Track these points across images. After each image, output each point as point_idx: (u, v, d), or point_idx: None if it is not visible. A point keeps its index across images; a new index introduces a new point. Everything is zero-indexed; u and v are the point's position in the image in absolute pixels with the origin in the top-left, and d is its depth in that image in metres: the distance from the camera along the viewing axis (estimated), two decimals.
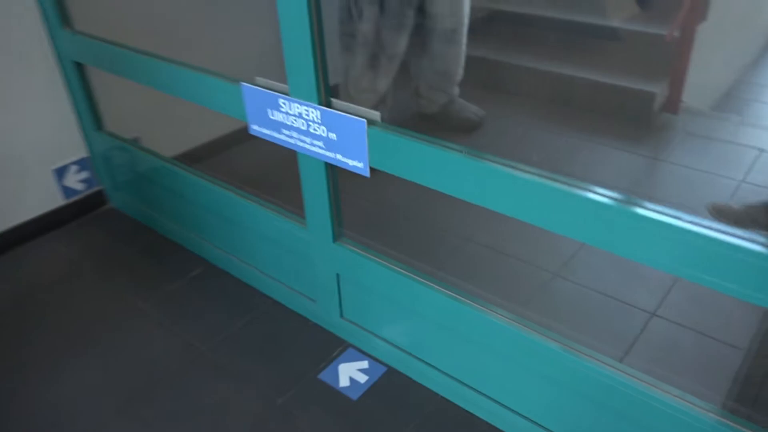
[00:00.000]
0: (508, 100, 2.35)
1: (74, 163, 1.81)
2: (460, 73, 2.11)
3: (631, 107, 2.12)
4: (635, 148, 2.02)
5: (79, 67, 1.66)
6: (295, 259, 1.40)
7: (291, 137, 1.18)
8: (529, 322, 1.04)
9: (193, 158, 1.82)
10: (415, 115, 2.21)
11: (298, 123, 1.15)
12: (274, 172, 1.37)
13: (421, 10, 1.94)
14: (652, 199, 0.81)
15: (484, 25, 2.42)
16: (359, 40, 1.87)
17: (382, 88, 1.98)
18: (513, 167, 0.93)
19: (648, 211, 0.81)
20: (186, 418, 1.24)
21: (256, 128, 1.24)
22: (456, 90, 2.16)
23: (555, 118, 2.21)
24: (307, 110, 1.12)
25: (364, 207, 1.71)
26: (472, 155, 0.96)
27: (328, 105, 1.10)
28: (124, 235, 1.79)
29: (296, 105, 1.13)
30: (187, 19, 1.89)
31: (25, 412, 1.26)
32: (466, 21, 2.02)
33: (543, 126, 2.18)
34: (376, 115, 1.05)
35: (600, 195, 0.85)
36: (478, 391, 1.21)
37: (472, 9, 2.05)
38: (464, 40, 2.04)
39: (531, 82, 2.33)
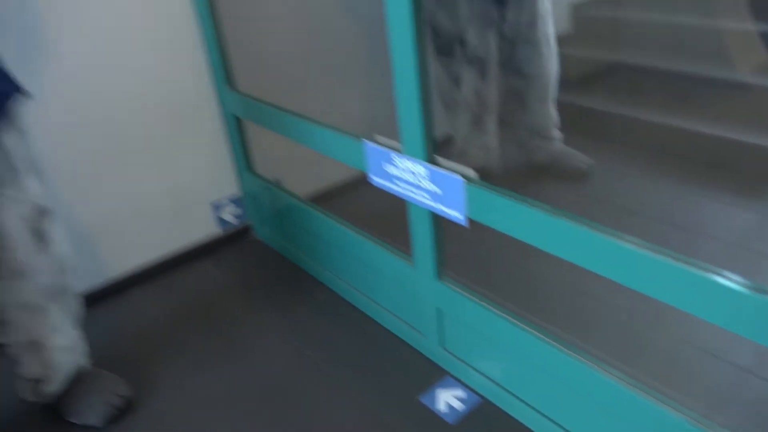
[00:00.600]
0: (620, 151, 2.38)
1: (229, 199, 2.15)
2: (555, 122, 2.20)
3: (755, 163, 2.08)
4: (757, 205, 1.97)
5: (237, 119, 2.00)
6: (403, 292, 1.58)
7: (402, 188, 1.38)
8: (631, 380, 1.09)
9: (322, 198, 2.08)
10: (525, 165, 2.32)
11: (408, 176, 1.34)
12: (387, 214, 1.56)
13: (518, 72, 2.08)
14: None
15: (601, 75, 2.49)
16: (461, 104, 2.04)
17: (491, 143, 2.12)
18: (613, 235, 0.98)
19: None
20: (301, 426, 1.45)
21: (374, 178, 1.46)
22: (558, 139, 2.24)
23: (669, 171, 2.21)
24: (415, 166, 1.31)
25: (468, 248, 1.85)
26: (558, 215, 1.08)
27: (433, 162, 1.29)
28: (264, 264, 2.09)
29: (407, 161, 1.33)
30: (323, 82, 2.18)
31: (159, 417, 1.55)
32: (555, 77, 2.12)
33: (656, 178, 2.19)
34: (472, 172, 1.22)
35: (725, 279, 0.85)
36: None
37: (591, 60, 2.15)
38: (554, 93, 2.14)
39: (645, 134, 2.36)
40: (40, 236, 1.31)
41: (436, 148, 1.29)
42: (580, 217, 1.06)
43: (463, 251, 1.69)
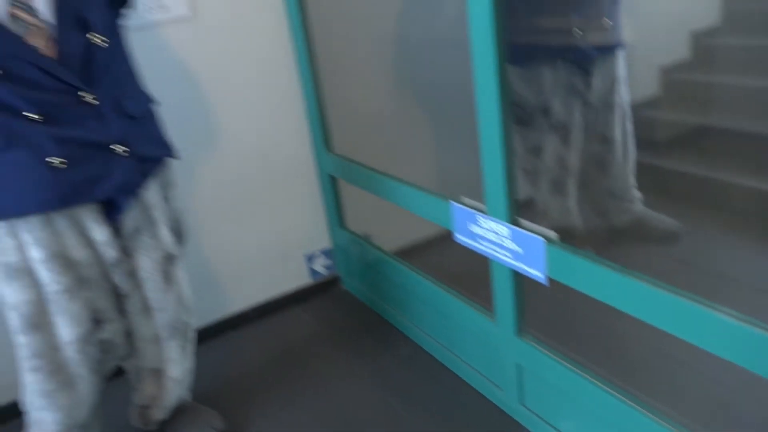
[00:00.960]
0: (709, 215, 2.35)
1: (321, 251, 2.30)
2: (634, 184, 2.21)
3: None
4: None
5: (332, 178, 2.17)
6: (484, 347, 1.64)
7: (485, 247, 1.46)
8: None
9: (409, 253, 2.18)
10: (607, 228, 2.32)
11: (491, 236, 1.42)
12: (470, 271, 1.64)
13: (596, 135, 2.12)
14: None
15: (691, 138, 2.48)
16: (542, 170, 2.09)
17: (572, 206, 2.16)
18: (697, 302, 1.00)
19: None
20: None
21: (459, 237, 1.55)
22: (638, 200, 2.23)
23: (760, 236, 2.15)
24: (498, 226, 1.39)
25: (549, 306, 1.88)
26: (638, 278, 1.13)
27: (516, 223, 1.37)
28: (351, 314, 2.21)
29: (491, 222, 1.41)
30: (413, 144, 2.33)
31: None
32: (632, 139, 2.14)
33: (746, 243, 2.14)
34: (553, 234, 1.29)
35: None
36: None
37: (680, 123, 2.16)
38: (632, 155, 2.15)
39: (734, 197, 2.31)
40: (168, 278, 1.48)
41: (518, 210, 1.37)
42: (660, 281, 1.09)
43: (545, 309, 1.72)
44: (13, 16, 1.17)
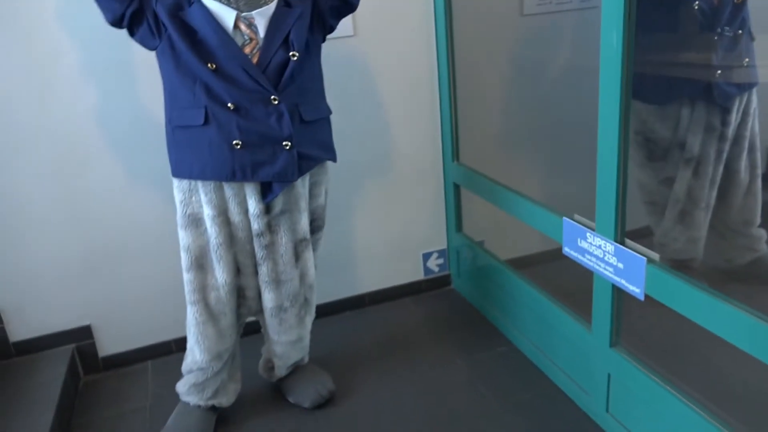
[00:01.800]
0: None
1: (436, 251, 2.53)
2: (759, 223, 2.20)
3: None
4: None
5: (456, 187, 2.38)
6: (578, 354, 1.78)
7: (591, 261, 1.61)
8: None
9: (518, 262, 2.33)
10: (728, 262, 2.32)
11: (597, 252, 1.57)
12: (573, 284, 1.77)
13: (725, 168, 2.14)
14: None
15: None
16: (671, 200, 2.15)
17: (698, 237, 2.20)
18: None
19: None
20: None
21: (567, 250, 1.71)
22: (763, 239, 2.22)
23: None
24: (605, 244, 1.54)
25: (645, 322, 1.95)
26: (728, 302, 1.23)
27: (622, 242, 1.51)
28: (457, 311, 2.41)
29: (598, 239, 1.56)
30: (535, 159, 2.48)
31: (347, 415, 1.90)
32: (760, 172, 2.14)
33: None
34: (655, 255, 1.42)
35: None
36: None
37: None
38: (758, 189, 2.15)
39: None
40: (297, 256, 1.74)
41: (624, 230, 1.51)
42: (756, 311, 1.18)
43: (640, 325, 1.82)
44: (236, 28, 1.50)
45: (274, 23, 1.53)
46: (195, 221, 1.62)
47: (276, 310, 1.75)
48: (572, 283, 1.77)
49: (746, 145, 2.15)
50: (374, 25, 2.15)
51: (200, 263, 1.65)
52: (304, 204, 1.71)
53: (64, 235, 2.04)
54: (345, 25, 2.10)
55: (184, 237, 1.65)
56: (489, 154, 2.39)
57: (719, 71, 1.95)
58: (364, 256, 2.43)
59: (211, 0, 1.49)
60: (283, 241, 1.69)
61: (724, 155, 2.16)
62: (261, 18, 1.52)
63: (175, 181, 1.63)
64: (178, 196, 1.63)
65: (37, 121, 1.91)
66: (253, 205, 1.62)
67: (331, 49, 2.10)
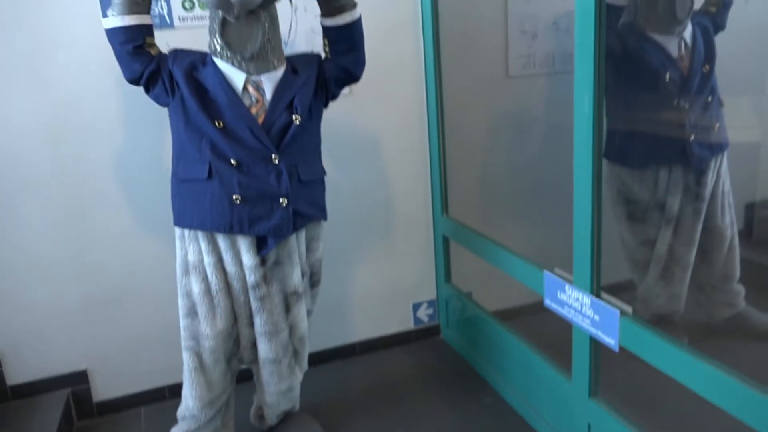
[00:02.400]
0: None
1: (426, 301, 2.59)
2: (737, 277, 2.26)
3: None
4: None
5: (446, 239, 2.47)
6: (560, 405, 1.82)
7: (570, 313, 1.68)
8: None
9: (504, 314, 2.39)
10: (708, 317, 2.37)
11: (575, 304, 1.64)
12: (555, 335, 1.83)
13: (705, 228, 2.22)
14: None
15: None
16: (653, 259, 2.22)
17: (677, 293, 2.26)
18: None
19: None
20: None
21: (548, 302, 1.78)
22: (740, 294, 2.28)
23: None
24: (582, 296, 1.61)
25: (624, 373, 1.99)
26: (698, 356, 1.30)
27: (598, 295, 1.58)
28: (446, 361, 2.45)
29: (576, 291, 1.63)
30: (518, 213, 2.57)
31: None
32: (734, 230, 2.22)
33: None
34: (628, 308, 1.49)
35: None
36: None
37: None
38: (735, 247, 2.22)
39: None
40: (289, 309, 1.80)
41: (600, 283, 1.58)
42: (730, 369, 1.23)
43: (619, 376, 1.86)
44: (245, 89, 1.62)
45: (281, 88, 1.65)
46: (194, 269, 1.70)
47: (269, 361, 1.80)
48: (556, 335, 1.83)
49: (722, 203, 2.23)
50: (368, 84, 2.28)
51: (197, 310, 1.71)
52: (296, 258, 1.78)
53: (65, 279, 2.11)
54: None
55: (183, 284, 1.72)
56: (477, 208, 2.48)
57: (692, 136, 2.06)
58: (356, 305, 2.50)
59: (223, 63, 1.61)
60: (276, 293, 1.75)
61: (702, 214, 2.24)
62: (269, 82, 1.63)
63: (177, 230, 1.71)
64: (178, 244, 1.72)
65: (47, 166, 2.02)
66: (249, 257, 1.69)
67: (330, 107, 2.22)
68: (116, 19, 1.54)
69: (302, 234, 1.81)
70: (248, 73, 1.61)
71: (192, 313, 1.72)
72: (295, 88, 1.67)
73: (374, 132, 2.36)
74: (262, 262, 1.72)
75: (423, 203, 2.50)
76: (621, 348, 1.50)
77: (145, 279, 2.18)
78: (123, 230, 2.13)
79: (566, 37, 2.49)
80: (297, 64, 1.71)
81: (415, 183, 2.47)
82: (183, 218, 1.68)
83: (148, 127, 2.08)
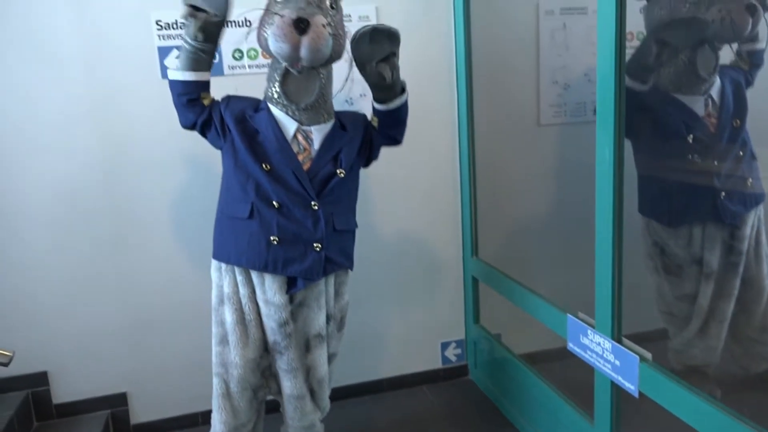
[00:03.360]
0: None
1: (454, 341, 2.63)
2: None
3: None
4: None
5: (475, 280, 2.52)
6: None
7: (592, 357, 1.70)
8: None
9: (531, 357, 2.41)
10: (744, 371, 2.33)
11: (597, 348, 1.67)
12: (579, 379, 1.85)
13: (744, 280, 2.20)
14: None
15: None
16: (695, 313, 2.19)
17: (711, 347, 2.23)
18: None
19: None
20: None
21: (572, 346, 1.81)
22: None
23: None
24: (603, 341, 1.64)
25: (648, 416, 1.98)
26: (716, 406, 1.31)
27: (619, 341, 1.61)
28: (472, 401, 2.47)
29: (598, 336, 1.67)
30: (547, 255, 2.61)
31: None
32: None
33: None
34: (648, 354, 1.51)
35: None
36: None
37: None
38: None
39: None
40: (308, 349, 1.88)
41: (621, 328, 1.61)
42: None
43: (640, 421, 1.85)
44: (294, 137, 1.73)
45: (328, 140, 1.77)
46: (229, 299, 1.79)
47: (293, 397, 1.87)
48: (580, 379, 1.85)
49: (761, 255, 2.21)
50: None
51: (228, 339, 1.80)
52: (323, 302, 1.87)
53: (111, 304, 2.24)
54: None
55: (218, 312, 1.82)
56: (506, 251, 2.53)
57: (724, 193, 2.04)
58: (386, 342, 2.56)
59: (277, 109, 1.72)
60: (300, 333, 1.85)
61: (741, 268, 2.20)
62: (318, 133, 1.75)
63: (214, 262, 1.82)
64: (215, 276, 1.82)
65: (101, 201, 2.18)
66: (279, 295, 1.78)
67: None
68: (178, 73, 1.67)
69: (331, 279, 1.89)
70: (300, 122, 1.72)
71: (224, 341, 1.81)
72: (342, 143, 1.79)
73: (408, 176, 2.46)
74: (291, 300, 1.81)
75: (454, 245, 2.56)
76: (641, 393, 1.52)
77: (185, 307, 2.30)
78: (166, 261, 2.27)
79: None
80: (345, 120, 1.83)
81: (446, 225, 2.54)
82: (221, 253, 1.79)
83: (194, 170, 2.23)
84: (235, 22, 2.15)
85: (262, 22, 1.64)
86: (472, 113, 2.40)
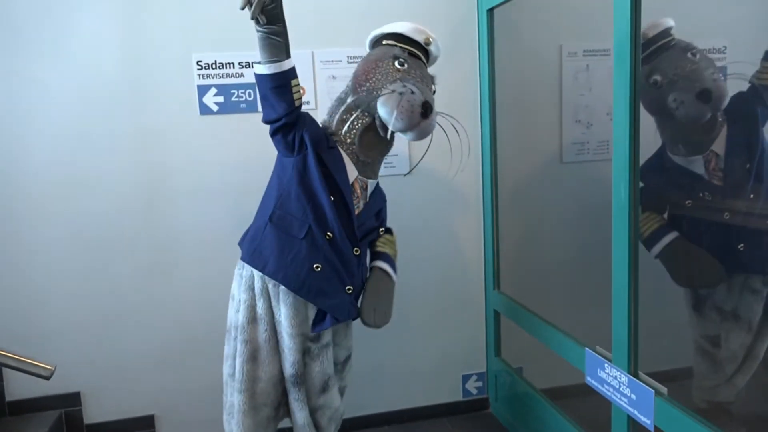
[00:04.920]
0: None
1: (475, 374, 2.65)
2: None
3: None
4: None
5: (497, 313, 2.55)
6: None
7: (609, 391, 1.72)
8: None
9: (552, 392, 2.41)
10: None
11: (614, 382, 1.69)
12: (599, 414, 1.86)
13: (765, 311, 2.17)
14: None
15: None
16: (725, 356, 2.17)
17: (736, 385, 2.19)
18: None
19: None
20: None
21: (589, 380, 1.83)
22: None
23: None
24: (620, 375, 1.66)
25: None
26: None
27: (635, 375, 1.63)
28: None
29: (615, 370, 1.69)
30: (568, 290, 2.63)
31: None
32: None
33: None
34: (663, 389, 1.53)
35: None
36: None
37: None
38: None
39: None
40: (324, 388, 1.90)
41: (637, 362, 1.63)
42: None
43: None
44: (353, 185, 1.79)
45: (375, 195, 1.90)
46: (261, 319, 1.80)
47: (303, 428, 1.89)
48: (601, 416, 1.86)
49: None
50: (427, 164, 2.47)
51: (256, 356, 1.81)
52: (343, 343, 1.96)
53: (145, 330, 2.34)
54: (402, 162, 2.44)
55: (247, 330, 1.81)
56: (527, 284, 2.56)
57: (741, 245, 1.97)
58: (407, 373, 2.59)
59: (344, 153, 1.78)
60: (318, 371, 1.87)
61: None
62: (371, 187, 1.87)
63: (244, 281, 1.81)
64: (245, 296, 1.81)
65: (139, 230, 2.30)
66: (307, 325, 1.82)
67: (388, 184, 2.42)
68: (262, 67, 1.63)
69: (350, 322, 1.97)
70: (359, 172, 1.81)
71: (251, 358, 1.80)
72: (382, 203, 1.93)
73: (432, 210, 2.53)
74: (317, 337, 1.84)
75: (476, 278, 2.61)
76: (656, 428, 1.54)
77: (214, 336, 2.37)
78: (197, 291, 2.36)
79: None
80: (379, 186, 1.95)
81: (469, 259, 2.59)
82: (258, 258, 1.77)
83: (227, 202, 2.34)
84: None
85: (373, 76, 1.74)
86: (495, 150, 2.47)
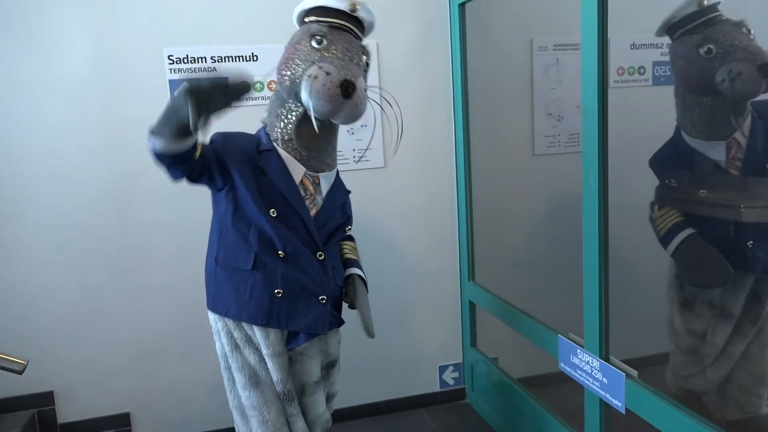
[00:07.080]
0: None
1: (452, 364, 2.68)
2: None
3: None
4: None
5: (472, 304, 2.58)
6: None
7: (581, 376, 1.76)
8: None
9: (528, 381, 2.45)
10: (737, 415, 2.29)
11: (586, 367, 1.73)
12: (574, 401, 1.90)
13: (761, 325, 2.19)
14: None
15: None
16: (709, 349, 2.10)
17: (712, 379, 2.20)
18: None
19: None
20: None
21: (563, 365, 1.87)
22: (761, 407, 2.19)
23: None
24: (592, 360, 1.70)
25: None
26: (700, 422, 1.36)
27: (606, 359, 1.67)
28: (469, 424, 2.52)
29: (587, 355, 1.73)
30: (541, 279, 2.67)
31: None
32: None
33: None
34: (633, 372, 1.57)
35: None
36: None
37: None
38: None
39: None
40: (303, 393, 1.75)
41: (608, 347, 1.68)
42: None
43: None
44: (301, 182, 1.61)
45: (335, 189, 1.71)
46: (244, 342, 1.66)
47: None
48: (576, 402, 1.89)
49: None
50: (403, 159, 2.49)
51: (256, 379, 1.66)
52: (323, 350, 1.80)
53: (117, 329, 2.32)
54: (377, 156, 2.46)
55: (235, 359, 1.66)
56: (501, 275, 2.60)
57: (751, 242, 1.89)
58: (384, 365, 2.61)
59: (285, 152, 1.61)
60: (298, 380, 1.75)
61: (764, 315, 2.16)
62: (325, 181, 1.67)
63: (217, 315, 1.67)
64: (220, 324, 1.67)
65: (111, 228, 2.27)
66: (281, 346, 1.67)
67: (364, 178, 2.44)
68: (160, 143, 1.43)
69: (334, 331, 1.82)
70: (307, 167, 1.62)
71: (252, 383, 1.66)
72: (345, 196, 1.76)
73: (407, 202, 2.55)
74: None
75: (451, 270, 2.64)
76: (627, 410, 1.58)
77: (190, 332, 2.37)
78: (170, 288, 2.35)
79: None
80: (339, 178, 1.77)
81: (444, 251, 2.62)
82: (219, 304, 1.65)
83: (201, 201, 2.30)
84: (241, 56, 2.28)
85: (292, 63, 1.55)
86: (468, 144, 2.50)
